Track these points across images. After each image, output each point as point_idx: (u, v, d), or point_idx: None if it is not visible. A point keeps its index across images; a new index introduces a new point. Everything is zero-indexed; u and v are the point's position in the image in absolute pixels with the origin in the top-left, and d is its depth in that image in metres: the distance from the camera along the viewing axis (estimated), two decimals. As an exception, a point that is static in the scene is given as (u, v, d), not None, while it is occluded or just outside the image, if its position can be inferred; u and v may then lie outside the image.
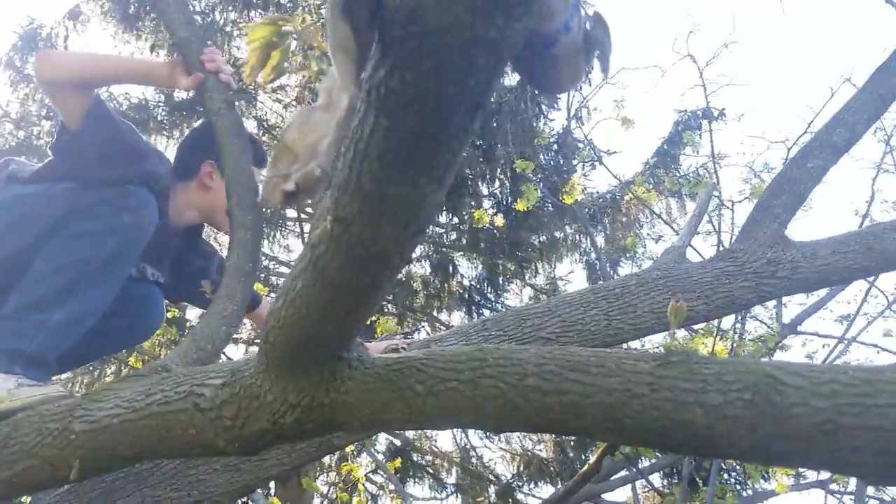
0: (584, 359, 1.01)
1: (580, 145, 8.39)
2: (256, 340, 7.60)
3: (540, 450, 8.78)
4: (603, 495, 6.61)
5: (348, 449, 5.42)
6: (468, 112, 0.73)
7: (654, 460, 4.37)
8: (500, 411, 1.06)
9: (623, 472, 5.14)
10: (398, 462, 6.86)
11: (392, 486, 6.30)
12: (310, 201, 0.63)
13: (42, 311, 1.74)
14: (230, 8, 8.12)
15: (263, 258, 8.56)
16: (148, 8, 7.58)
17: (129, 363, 5.53)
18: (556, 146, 8.32)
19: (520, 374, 1.04)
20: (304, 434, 1.24)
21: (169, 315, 6.56)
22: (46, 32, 8.08)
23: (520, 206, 4.84)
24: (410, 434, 9.16)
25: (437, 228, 8.79)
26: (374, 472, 8.12)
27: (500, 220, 6.18)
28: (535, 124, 8.33)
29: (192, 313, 7.66)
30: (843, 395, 0.80)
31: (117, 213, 1.75)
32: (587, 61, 0.73)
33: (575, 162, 5.59)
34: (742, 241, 2.82)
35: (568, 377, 1.00)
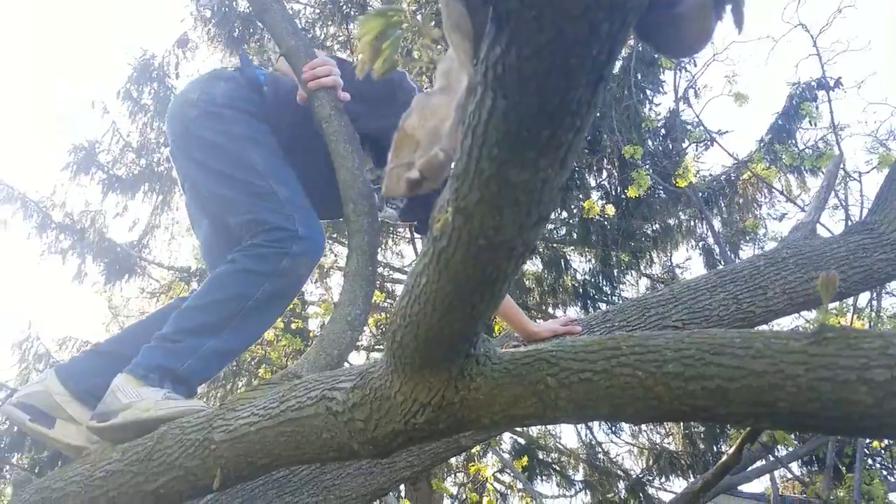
0: (728, 340, 0.95)
1: (689, 127, 8.15)
2: (377, 346, 7.72)
3: (669, 443, 8.55)
4: (740, 487, 6.36)
5: (474, 449, 5.42)
6: (591, 85, 0.69)
7: (791, 448, 4.15)
8: (638, 401, 1.01)
9: (759, 463, 4.92)
10: (524, 460, 6.79)
11: (520, 485, 6.25)
12: (436, 188, 0.61)
13: (198, 337, 1.84)
14: (329, 23, 8.29)
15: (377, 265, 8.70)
16: (252, 29, 7.84)
17: (260, 374, 5.70)
18: (663, 130, 8.09)
19: (658, 360, 0.99)
20: (435, 433, 1.22)
21: (293, 326, 6.76)
22: (158, 62, 8.46)
23: (631, 192, 4.72)
24: (535, 432, 9.12)
25: (546, 224, 8.71)
26: (500, 471, 8.11)
27: (610, 209, 6.02)
28: (640, 110, 8.13)
29: (315, 323, 7.87)
30: None
31: (279, 256, 1.80)
32: (717, 17, 0.67)
33: (686, 144, 5.38)
34: (877, 212, 2.65)
35: (711, 361, 0.94)
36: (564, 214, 8.33)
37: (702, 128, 5.11)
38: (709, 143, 6.32)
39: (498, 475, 7.73)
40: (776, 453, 4.24)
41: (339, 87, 1.79)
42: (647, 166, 6.24)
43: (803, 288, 2.48)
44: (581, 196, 7.70)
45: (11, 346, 8.90)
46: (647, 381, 0.99)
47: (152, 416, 1.67)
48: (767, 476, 5.44)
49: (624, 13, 0.62)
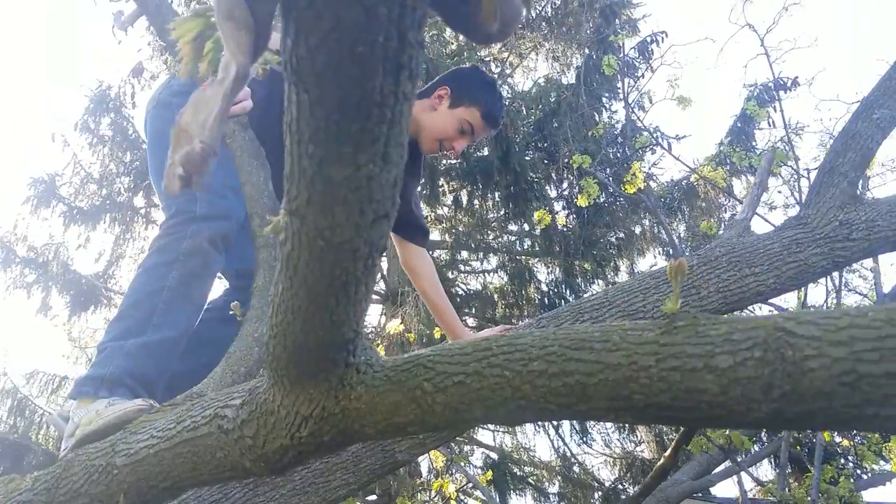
0: (588, 335, 0.93)
1: (645, 133, 8.20)
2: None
3: (641, 450, 8.54)
4: (712, 491, 6.35)
5: (439, 465, 5.37)
6: (390, 74, 0.67)
7: (751, 451, 4.14)
8: (508, 401, 0.99)
9: (725, 465, 4.91)
10: (490, 475, 6.74)
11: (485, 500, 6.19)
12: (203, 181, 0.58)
13: (119, 340, 1.85)
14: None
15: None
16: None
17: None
18: (619, 139, 8.13)
19: (524, 359, 0.97)
20: (322, 447, 1.18)
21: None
22: (115, 92, 8.40)
23: (581, 201, 4.71)
24: (507, 446, 9.08)
25: (508, 237, 8.71)
26: (474, 487, 8.04)
27: (561, 219, 6.03)
28: (597, 118, 8.18)
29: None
30: (863, 341, 0.70)
31: (178, 241, 1.81)
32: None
33: (635, 148, 5.38)
34: (810, 206, 2.66)
35: (572, 357, 0.92)
36: (526, 226, 8.33)
37: (647, 133, 5.12)
38: (654, 148, 6.34)
39: (471, 490, 7.67)
40: (740, 456, 4.22)
41: (246, 108, 1.77)
42: (606, 174, 6.25)
43: (738, 286, 2.48)
44: (542, 206, 7.70)
45: (-21, 383, 8.76)
46: (514, 380, 0.97)
47: (95, 427, 1.65)
48: (735, 479, 5.44)
49: (398, -6, 0.60)
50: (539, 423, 9.09)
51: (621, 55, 8.66)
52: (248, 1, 0.62)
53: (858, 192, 2.65)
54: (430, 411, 1.06)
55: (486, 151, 7.60)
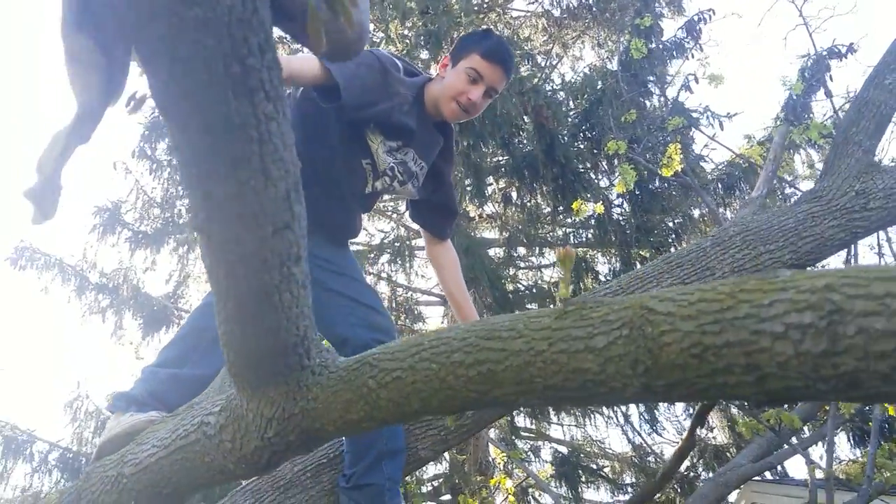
0: (499, 325, 0.98)
1: (695, 114, 8.07)
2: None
3: (713, 437, 8.41)
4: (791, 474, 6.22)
5: (500, 461, 5.42)
6: (243, 97, 0.74)
7: (800, 429, 4.04)
8: (436, 392, 1.04)
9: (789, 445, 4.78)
10: (550, 469, 6.74)
11: (562, 493, 6.21)
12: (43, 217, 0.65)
13: (158, 366, 2.05)
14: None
15: (401, 289, 8.78)
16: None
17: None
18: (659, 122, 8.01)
19: (447, 351, 1.03)
20: (292, 447, 1.26)
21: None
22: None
23: (619, 188, 4.69)
24: (578, 439, 9.05)
25: (564, 229, 8.69)
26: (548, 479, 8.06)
27: (599, 208, 5.99)
28: (644, 102, 8.09)
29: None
30: (707, 314, 0.73)
31: None
32: (334, 15, 0.71)
33: (668, 131, 5.32)
34: (825, 179, 2.62)
35: (484, 346, 0.97)
36: (581, 217, 8.29)
37: (679, 116, 5.05)
38: (693, 129, 6.24)
39: (542, 486, 7.67)
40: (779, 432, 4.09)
41: None
42: (648, 159, 6.18)
43: (752, 265, 2.47)
44: (591, 197, 7.67)
45: (63, 407, 9.20)
46: (440, 372, 1.03)
47: (108, 436, 1.78)
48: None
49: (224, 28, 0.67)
50: (609, 414, 9.04)
51: (662, 37, 8.58)
52: (101, 44, 0.69)
53: (876, 160, 2.60)
54: (377, 406, 1.13)
55: (530, 146, 7.62)
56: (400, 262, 8.56)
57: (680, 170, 4.35)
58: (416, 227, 3.00)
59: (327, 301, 2.19)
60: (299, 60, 2.03)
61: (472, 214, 8.10)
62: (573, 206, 4.78)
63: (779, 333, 0.67)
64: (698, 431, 2.44)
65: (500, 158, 8.18)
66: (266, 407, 1.21)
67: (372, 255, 8.53)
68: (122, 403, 1.94)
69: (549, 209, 8.50)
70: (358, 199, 2.32)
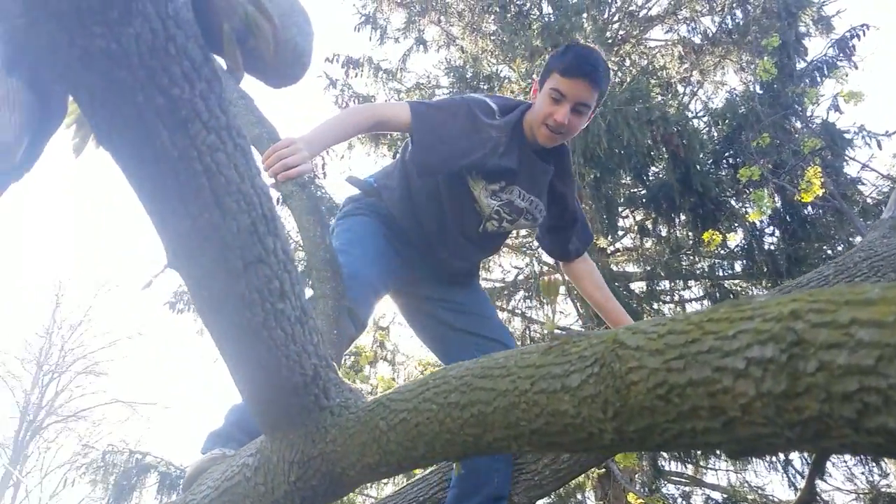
0: (494, 361, 0.89)
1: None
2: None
3: (888, 483, 7.65)
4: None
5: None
6: (176, 128, 0.71)
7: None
8: (437, 436, 0.96)
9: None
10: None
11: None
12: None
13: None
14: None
15: (537, 325, 8.64)
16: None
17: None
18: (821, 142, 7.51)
19: (446, 391, 0.95)
20: (318, 494, 1.20)
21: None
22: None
23: (754, 216, 4.40)
24: (735, 484, 8.50)
25: (710, 259, 8.27)
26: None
27: (733, 237, 5.63)
28: (790, 122, 7.63)
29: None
30: (673, 348, 0.62)
31: None
32: (261, 43, 0.67)
33: (804, 154, 4.91)
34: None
35: (477, 386, 0.89)
36: (726, 247, 7.88)
37: (815, 138, 4.67)
38: (825, 150, 5.77)
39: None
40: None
41: (304, 172, 1.85)
42: (786, 182, 5.78)
43: (881, 292, 2.22)
44: (734, 226, 7.27)
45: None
46: (439, 413, 0.95)
47: (185, 476, 1.80)
48: None
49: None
50: (770, 459, 8.44)
51: (806, 56, 8.11)
52: (30, 83, 0.68)
53: None
54: (389, 451, 1.06)
55: (665, 175, 7.34)
56: (535, 298, 8.45)
57: (826, 193, 4.02)
58: (550, 261, 2.97)
59: (455, 339, 2.28)
60: (390, 108, 2.10)
61: (606, 248, 7.87)
62: (704, 236, 4.52)
63: (740, 370, 0.55)
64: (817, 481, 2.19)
65: (634, 190, 7.93)
66: (287, 449, 1.17)
67: (506, 293, 8.45)
68: (209, 443, 1.95)
69: (690, 240, 8.13)
70: (474, 242, 2.32)
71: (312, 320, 1.04)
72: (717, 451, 0.74)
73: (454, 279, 2.35)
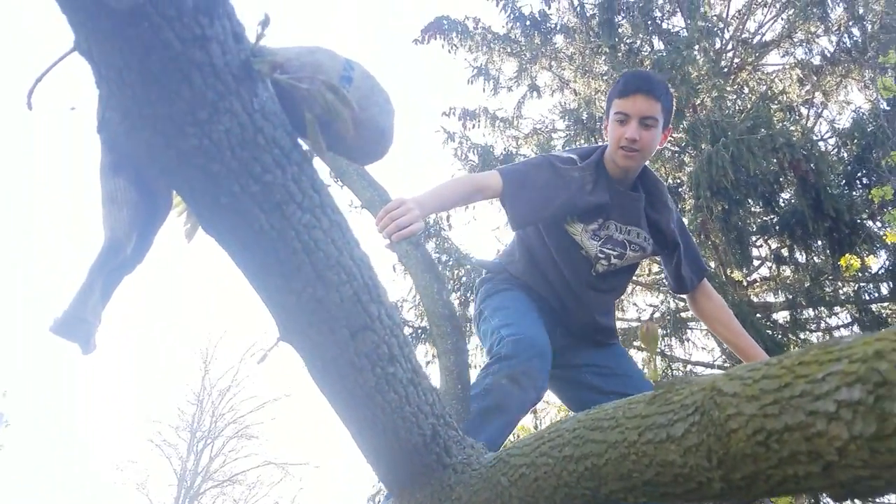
0: (604, 412, 0.91)
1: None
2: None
3: None
4: None
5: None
6: (272, 211, 0.78)
7: None
8: (556, 490, 0.98)
9: None
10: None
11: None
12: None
13: None
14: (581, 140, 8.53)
15: (679, 363, 8.38)
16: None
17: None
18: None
19: (560, 444, 0.97)
20: (451, 549, 1.23)
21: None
22: (433, 220, 9.23)
23: (890, 237, 4.16)
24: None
25: (856, 284, 7.83)
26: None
27: (857, 263, 5.29)
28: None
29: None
30: (768, 393, 0.63)
31: (483, 377, 2.03)
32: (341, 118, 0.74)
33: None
34: None
35: (589, 438, 0.91)
36: (871, 271, 7.44)
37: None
38: None
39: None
40: None
41: (416, 231, 1.92)
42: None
43: None
44: (878, 246, 6.86)
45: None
46: (555, 467, 0.97)
47: None
48: None
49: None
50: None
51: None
52: (135, 182, 0.78)
53: None
54: (511, 506, 1.08)
55: (796, 201, 7.05)
56: (674, 335, 8.21)
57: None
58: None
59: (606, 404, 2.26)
60: (485, 176, 2.19)
61: (741, 280, 7.59)
62: (841, 261, 4.30)
63: (831, 413, 0.55)
64: None
65: (766, 218, 7.63)
66: (415, 509, 1.21)
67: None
68: None
69: (829, 265, 7.74)
70: (594, 287, 2.33)
71: (426, 380, 1.08)
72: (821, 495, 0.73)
73: (598, 342, 2.37)
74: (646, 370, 0.81)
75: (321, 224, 0.82)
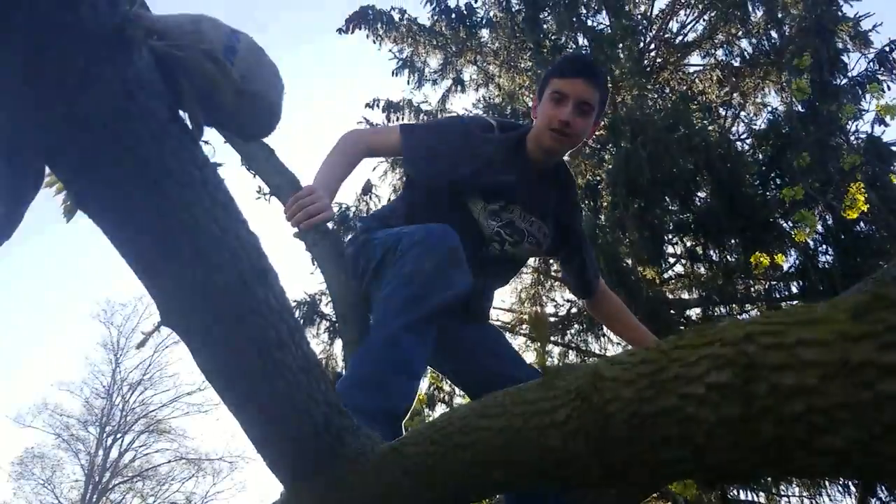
0: (493, 399, 0.89)
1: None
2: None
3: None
4: None
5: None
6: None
7: None
8: (449, 477, 0.96)
9: None
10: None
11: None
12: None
13: None
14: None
15: (593, 359, 8.52)
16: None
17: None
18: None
19: (450, 432, 0.95)
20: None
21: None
22: (353, 212, 9.15)
23: (799, 237, 4.31)
24: (809, 512, 8.19)
25: (766, 282, 8.10)
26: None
27: (780, 258, 5.49)
28: (833, 139, 7.49)
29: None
30: (644, 377, 0.62)
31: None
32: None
33: (844, 171, 4.79)
34: None
35: (478, 425, 0.89)
36: (780, 269, 7.71)
37: (855, 154, 4.58)
38: (866, 165, 5.62)
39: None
40: None
41: (327, 218, 1.86)
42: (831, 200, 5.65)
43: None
44: (789, 245, 7.11)
45: None
46: (446, 456, 0.95)
47: None
48: None
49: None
50: (843, 482, 8.12)
51: (847, 72, 7.98)
52: (2, 154, 0.72)
53: None
54: (405, 495, 1.06)
55: (711, 200, 7.25)
56: (589, 331, 8.34)
57: (874, 208, 3.92)
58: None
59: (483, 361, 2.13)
60: (378, 133, 2.07)
61: (655, 278, 7.75)
62: (752, 259, 4.44)
63: (701, 396, 0.55)
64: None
65: (682, 217, 7.82)
66: (309, 500, 1.18)
67: (560, 326, 8.37)
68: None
69: (742, 264, 7.98)
70: (479, 268, 2.08)
71: (319, 368, 1.05)
72: (692, 480, 0.73)
73: (466, 320, 2.18)
74: (535, 356, 0.80)
75: (202, 202, 0.78)
